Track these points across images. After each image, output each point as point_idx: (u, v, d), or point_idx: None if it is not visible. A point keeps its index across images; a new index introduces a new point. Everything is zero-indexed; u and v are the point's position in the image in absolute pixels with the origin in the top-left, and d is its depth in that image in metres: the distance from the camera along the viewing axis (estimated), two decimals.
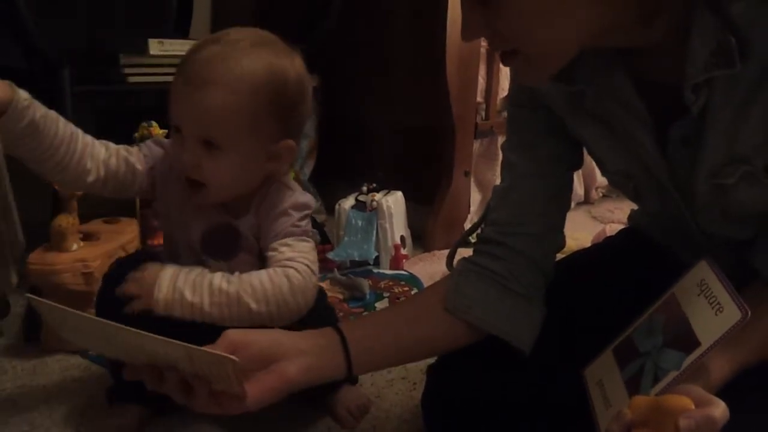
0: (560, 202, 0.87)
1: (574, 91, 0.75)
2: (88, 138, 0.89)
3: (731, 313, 0.62)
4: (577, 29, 0.62)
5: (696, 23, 0.63)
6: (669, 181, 0.74)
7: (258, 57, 0.85)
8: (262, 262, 0.93)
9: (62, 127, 0.85)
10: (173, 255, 0.97)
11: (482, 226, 0.90)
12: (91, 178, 0.89)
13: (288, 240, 0.90)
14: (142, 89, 1.56)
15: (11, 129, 0.79)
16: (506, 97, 2.04)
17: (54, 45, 1.38)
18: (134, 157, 0.93)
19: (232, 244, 0.94)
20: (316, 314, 0.92)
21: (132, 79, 1.53)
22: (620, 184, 0.83)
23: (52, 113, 0.84)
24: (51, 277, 1.15)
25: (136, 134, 1.46)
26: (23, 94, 0.80)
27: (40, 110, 0.82)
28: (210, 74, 0.83)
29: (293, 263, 0.88)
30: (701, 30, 0.63)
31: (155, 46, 1.56)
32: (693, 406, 0.54)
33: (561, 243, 0.87)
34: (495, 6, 0.60)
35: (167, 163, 0.94)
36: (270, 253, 0.90)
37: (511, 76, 0.92)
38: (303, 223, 0.93)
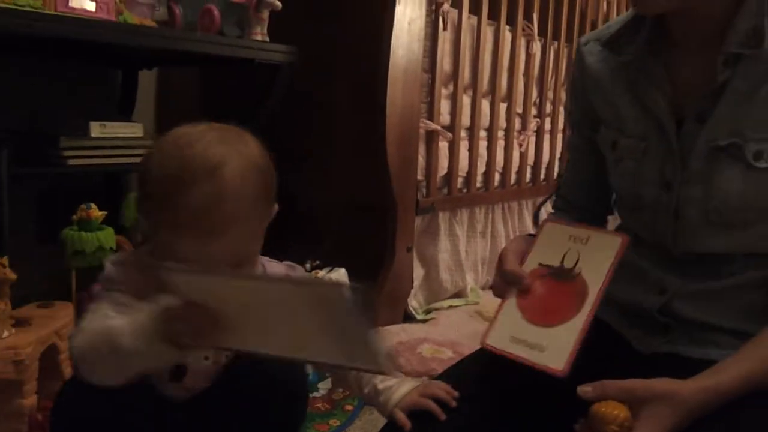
0: (604, 181, 1.04)
1: (622, 61, 0.94)
2: None
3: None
4: None
5: (747, 2, 0.81)
6: (676, 143, 0.87)
7: (245, 171, 0.81)
8: None
9: None
10: None
11: (555, 196, 1.13)
12: None
13: None
14: (82, 171, 1.56)
15: None
16: (444, 176, 2.11)
17: None
18: None
19: None
20: None
21: (72, 162, 1.52)
22: (631, 148, 0.94)
23: None
24: None
25: (74, 216, 1.45)
26: None
27: None
28: (216, 221, 0.79)
29: None
30: (749, 9, 0.81)
31: (96, 129, 1.56)
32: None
33: (609, 205, 1.08)
34: None
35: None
36: None
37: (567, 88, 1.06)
38: None
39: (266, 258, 1.00)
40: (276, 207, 0.92)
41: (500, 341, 0.82)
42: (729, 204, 0.84)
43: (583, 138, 1.06)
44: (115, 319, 0.78)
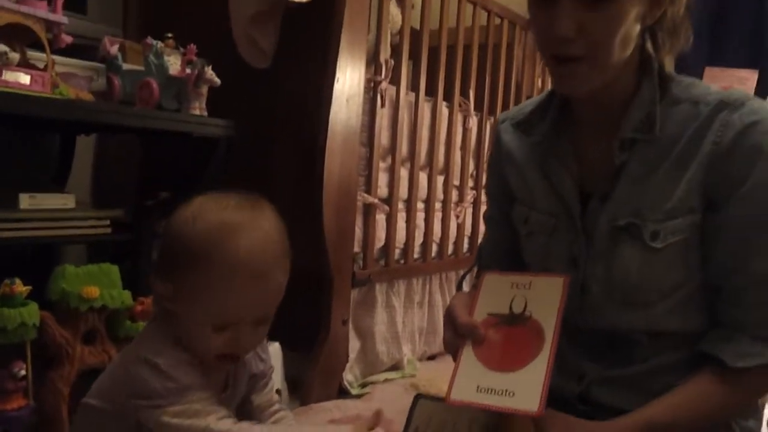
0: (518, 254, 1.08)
1: (532, 141, 1.01)
2: None
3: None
4: (628, 54, 0.86)
5: (641, 91, 0.89)
6: (581, 221, 0.94)
7: (277, 225, 0.91)
8: None
9: None
10: None
11: (476, 266, 1.16)
12: None
13: (269, 382, 1.02)
14: (8, 245, 1.52)
15: None
16: (381, 247, 2.14)
17: None
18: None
19: None
20: None
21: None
22: (541, 223, 1.00)
23: None
24: None
25: None
26: None
27: None
28: (268, 262, 0.86)
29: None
30: (642, 98, 0.89)
31: (26, 201, 1.54)
32: None
33: None
34: (601, 9, 0.80)
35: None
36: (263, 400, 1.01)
37: (487, 174, 1.17)
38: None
39: None
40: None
41: (466, 394, 0.83)
42: (629, 282, 0.90)
43: (500, 212, 1.11)
44: None
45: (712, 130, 0.86)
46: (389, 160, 2.15)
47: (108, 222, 1.70)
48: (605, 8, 0.81)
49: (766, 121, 0.85)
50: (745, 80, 3.47)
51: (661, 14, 0.88)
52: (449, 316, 0.93)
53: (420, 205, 2.32)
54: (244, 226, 0.86)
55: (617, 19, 0.82)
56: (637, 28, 0.86)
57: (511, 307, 0.88)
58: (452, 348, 0.91)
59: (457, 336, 0.90)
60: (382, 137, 2.10)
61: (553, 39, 0.84)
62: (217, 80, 1.70)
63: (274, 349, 1.76)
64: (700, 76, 3.54)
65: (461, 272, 2.59)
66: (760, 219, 0.85)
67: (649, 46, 0.92)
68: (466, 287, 1.22)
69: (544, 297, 0.87)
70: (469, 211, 2.63)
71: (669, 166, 0.88)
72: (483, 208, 2.70)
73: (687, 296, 0.91)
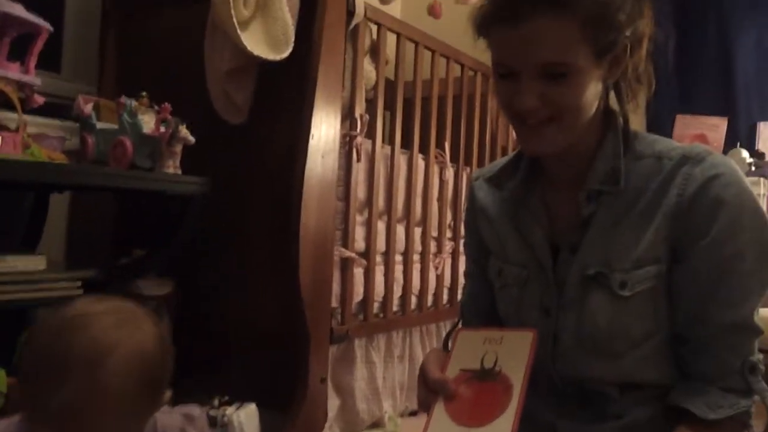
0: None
1: (504, 196, 1.03)
2: None
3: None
4: (592, 113, 0.89)
5: (604, 146, 0.92)
6: (552, 272, 0.95)
7: (129, 368, 0.79)
8: None
9: None
10: None
11: (459, 323, 1.17)
12: None
13: None
14: None
15: None
16: (360, 302, 2.12)
17: None
18: None
19: None
20: None
21: None
22: (514, 275, 1.01)
23: None
24: None
25: None
26: None
27: None
28: (95, 415, 0.77)
29: None
30: (606, 152, 0.92)
31: None
32: None
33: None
34: (562, 82, 0.83)
35: None
36: None
37: (465, 212, 1.17)
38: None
39: (162, 409, 0.96)
40: (167, 395, 0.89)
41: None
42: (599, 331, 0.91)
43: (478, 267, 1.12)
44: None
45: (675, 184, 0.88)
46: (366, 213, 2.15)
47: (80, 283, 1.66)
48: (565, 80, 0.83)
49: (726, 175, 0.87)
50: (716, 127, 3.55)
51: (622, 70, 0.90)
52: (422, 373, 0.94)
53: (398, 258, 2.31)
54: (74, 371, 0.76)
55: (579, 88, 0.84)
56: (600, 87, 0.89)
57: (482, 363, 0.89)
58: (425, 405, 0.91)
59: (429, 392, 0.90)
60: (359, 191, 2.10)
61: (518, 109, 0.86)
62: (192, 138, 1.70)
63: (250, 410, 1.72)
64: (672, 124, 3.61)
65: (442, 324, 2.57)
66: (721, 269, 0.87)
67: (612, 100, 0.95)
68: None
69: (514, 351, 0.88)
70: (448, 262, 2.62)
71: (635, 217, 0.90)
72: (462, 258, 2.70)
73: (657, 347, 0.91)
